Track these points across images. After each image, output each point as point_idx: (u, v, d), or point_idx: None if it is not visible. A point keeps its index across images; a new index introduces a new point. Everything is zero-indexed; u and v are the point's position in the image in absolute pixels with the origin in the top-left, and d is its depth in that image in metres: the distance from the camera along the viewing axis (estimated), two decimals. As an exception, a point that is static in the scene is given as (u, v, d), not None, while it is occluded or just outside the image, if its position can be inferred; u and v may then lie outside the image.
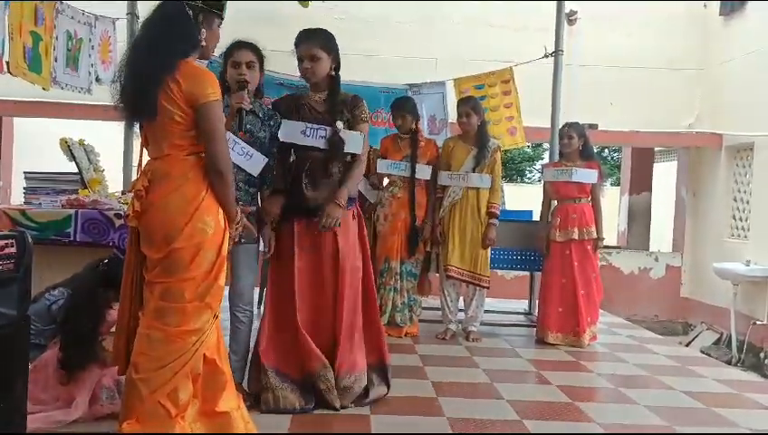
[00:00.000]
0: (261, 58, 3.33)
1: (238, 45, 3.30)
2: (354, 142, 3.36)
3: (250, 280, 3.37)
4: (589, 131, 5.57)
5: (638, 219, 10.13)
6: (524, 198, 10.72)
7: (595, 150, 5.62)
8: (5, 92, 7.57)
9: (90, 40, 5.82)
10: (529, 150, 21.80)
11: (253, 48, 3.30)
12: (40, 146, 7.85)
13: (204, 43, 2.60)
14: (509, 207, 6.77)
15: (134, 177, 5.11)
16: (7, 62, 4.72)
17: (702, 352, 6.82)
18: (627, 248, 9.72)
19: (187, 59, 2.52)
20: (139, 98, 2.49)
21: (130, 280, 2.60)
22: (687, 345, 7.79)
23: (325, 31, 3.41)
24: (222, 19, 2.66)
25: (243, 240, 3.24)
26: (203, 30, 2.58)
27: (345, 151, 3.35)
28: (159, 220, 2.50)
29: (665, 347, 5.40)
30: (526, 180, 22.69)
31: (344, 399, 3.33)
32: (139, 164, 2.63)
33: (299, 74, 3.48)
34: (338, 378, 3.31)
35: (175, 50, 2.51)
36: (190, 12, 2.55)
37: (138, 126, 2.65)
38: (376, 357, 3.47)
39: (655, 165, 10.54)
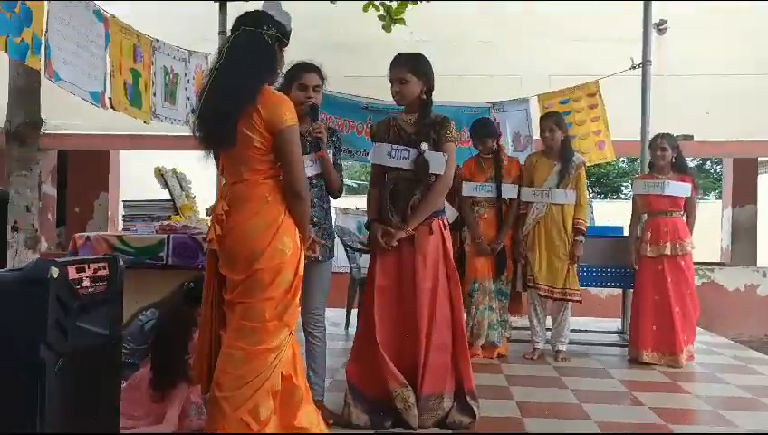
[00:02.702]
0: (323, 80, 3.39)
1: (305, 68, 3.34)
2: (437, 163, 3.37)
3: (321, 297, 3.41)
4: (684, 143, 5.35)
5: (743, 233, 9.59)
6: (621, 214, 10.38)
7: (694, 163, 5.39)
8: (114, 128, 8.11)
9: (185, 74, 6.14)
10: (624, 165, 21.13)
11: (318, 71, 3.36)
12: (141, 176, 8.34)
13: (280, 71, 2.71)
14: (603, 223, 6.59)
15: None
16: (110, 99, 5.06)
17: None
18: (731, 264, 9.22)
19: (265, 86, 2.63)
20: (221, 127, 2.57)
21: (210, 300, 2.70)
22: (802, 367, 7.26)
23: (417, 55, 3.46)
24: (287, 46, 2.74)
25: (320, 258, 3.32)
26: (277, 58, 2.68)
27: (430, 172, 3.37)
28: (241, 243, 2.58)
29: (773, 368, 5.08)
30: (622, 196, 21.95)
31: (425, 420, 3.30)
32: (219, 189, 2.72)
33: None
34: (420, 398, 3.30)
35: (257, 79, 2.59)
36: (269, 41, 2.64)
37: (213, 154, 2.75)
38: (455, 383, 3.39)
39: (759, 176, 9.98)
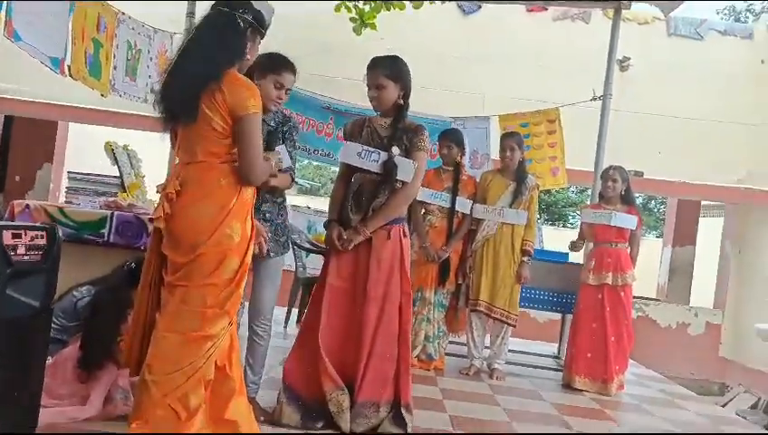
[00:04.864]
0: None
1: (287, 67, 3.19)
2: (406, 169, 3.32)
3: (271, 295, 3.32)
4: (634, 179, 5.48)
5: (680, 272, 9.89)
6: (566, 242, 10.59)
7: (640, 200, 5.53)
8: (67, 99, 7.87)
9: (148, 51, 6.00)
10: (573, 195, 21.58)
11: (295, 73, 3.23)
12: (88, 151, 8.13)
13: (249, 57, 2.65)
14: (548, 248, 6.70)
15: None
16: (69, 66, 4.90)
17: (737, 414, 6.54)
18: (666, 301, 9.49)
19: (232, 69, 2.57)
20: (183, 100, 2.52)
21: (149, 281, 2.62)
22: (723, 407, 7.49)
23: (394, 58, 3.37)
24: (263, 37, 2.70)
25: (271, 254, 3.26)
26: (248, 44, 2.62)
27: (397, 178, 3.32)
28: (189, 225, 2.52)
29: (697, 405, 5.21)
30: (568, 225, 22.37)
31: (357, 425, 3.23)
32: (171, 168, 2.65)
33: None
34: (355, 404, 3.24)
35: (224, 58, 2.55)
36: (241, 24, 2.60)
37: (169, 131, 2.68)
38: (393, 393, 3.32)
39: (701, 219, 10.32)
